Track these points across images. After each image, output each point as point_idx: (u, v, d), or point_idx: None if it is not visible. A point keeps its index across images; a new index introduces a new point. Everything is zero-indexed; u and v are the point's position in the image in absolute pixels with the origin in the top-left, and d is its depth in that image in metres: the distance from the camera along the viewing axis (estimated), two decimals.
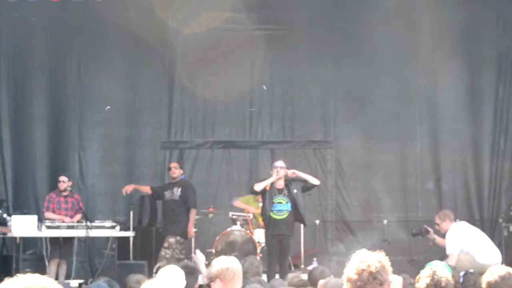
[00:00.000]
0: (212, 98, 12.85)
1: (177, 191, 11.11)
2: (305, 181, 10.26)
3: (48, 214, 11.14)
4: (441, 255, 9.59)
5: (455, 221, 10.11)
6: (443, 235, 10.03)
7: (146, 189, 11.67)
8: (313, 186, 10.36)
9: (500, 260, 9.59)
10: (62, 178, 11.32)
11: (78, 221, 10.96)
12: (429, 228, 10.39)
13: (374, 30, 12.63)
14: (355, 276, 3.30)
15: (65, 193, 11.23)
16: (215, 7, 12.08)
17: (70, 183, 11.39)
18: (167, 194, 11.20)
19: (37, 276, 2.35)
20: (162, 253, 10.80)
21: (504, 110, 13.05)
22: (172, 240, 10.83)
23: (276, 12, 12.88)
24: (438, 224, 10.08)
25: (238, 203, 11.92)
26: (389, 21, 12.66)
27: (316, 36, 13.04)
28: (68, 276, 10.96)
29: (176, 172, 11.27)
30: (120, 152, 12.88)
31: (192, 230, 11.07)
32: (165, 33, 12.50)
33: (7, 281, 2.31)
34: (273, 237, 10.08)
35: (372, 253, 3.38)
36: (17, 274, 2.37)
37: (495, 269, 4.83)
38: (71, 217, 11.15)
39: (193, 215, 11.08)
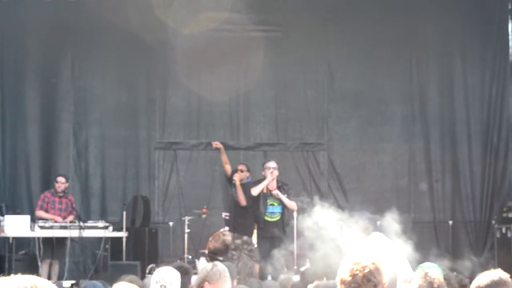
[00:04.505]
0: (206, 99, 12.83)
1: None
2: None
3: (40, 213, 11.10)
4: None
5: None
6: None
7: (227, 166, 11.13)
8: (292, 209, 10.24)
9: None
10: (60, 178, 11.27)
11: (71, 222, 10.94)
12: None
13: (368, 33, 12.67)
14: (349, 278, 3.28)
15: (60, 194, 11.21)
16: (214, 8, 12.08)
17: (67, 184, 11.38)
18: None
19: (31, 276, 2.34)
20: (229, 255, 10.59)
21: (498, 110, 13.06)
22: (238, 241, 10.55)
23: (272, 14, 12.88)
24: None
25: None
26: (382, 24, 12.71)
27: (310, 38, 13.05)
28: (61, 277, 10.94)
29: (242, 175, 10.76)
30: (114, 153, 12.85)
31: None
32: (163, 33, 12.46)
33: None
34: (265, 239, 10.07)
35: (366, 255, 3.37)
36: (10, 274, 2.36)
37: (486, 274, 4.80)
38: (64, 218, 11.12)
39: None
